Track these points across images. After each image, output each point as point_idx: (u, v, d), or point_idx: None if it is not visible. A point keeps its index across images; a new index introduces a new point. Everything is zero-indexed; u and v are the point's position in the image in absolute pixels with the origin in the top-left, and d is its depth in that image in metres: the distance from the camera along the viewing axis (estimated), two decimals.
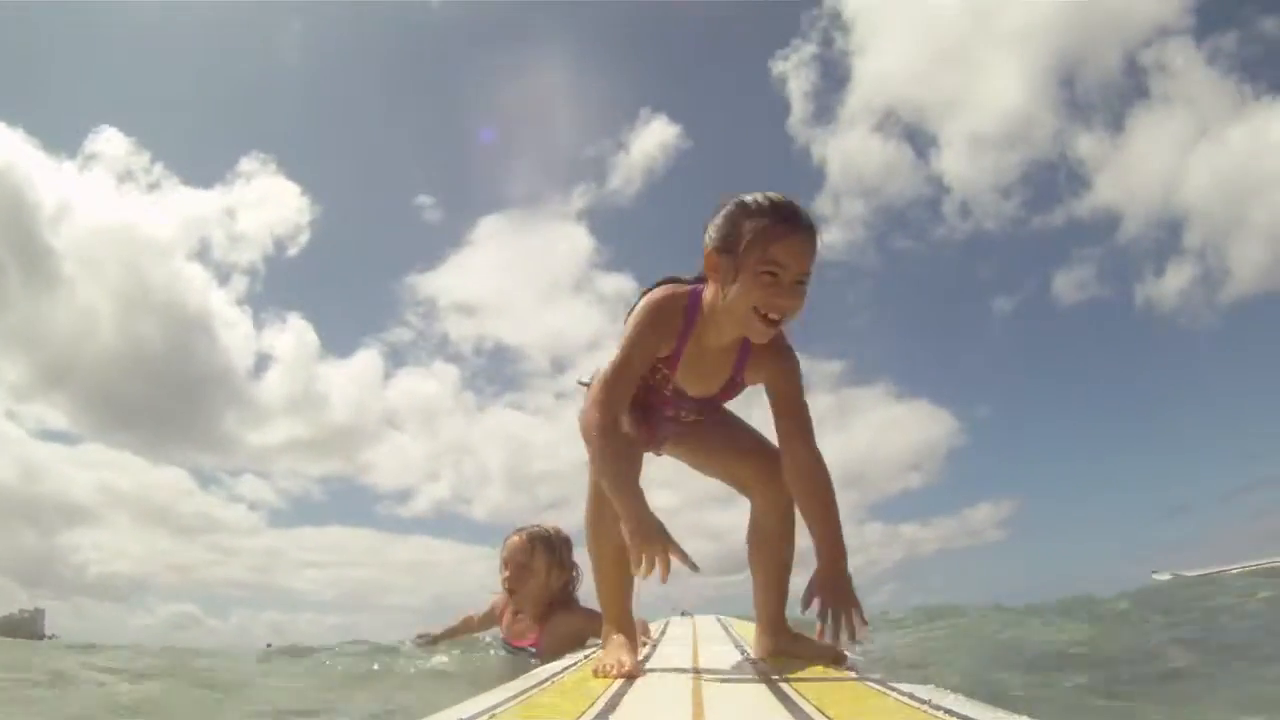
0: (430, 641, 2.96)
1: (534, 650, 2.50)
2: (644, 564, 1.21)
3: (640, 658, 1.52)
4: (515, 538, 2.63)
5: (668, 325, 1.47)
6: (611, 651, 1.41)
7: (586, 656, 1.77)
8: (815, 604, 1.34)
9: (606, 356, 1.47)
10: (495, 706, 0.99)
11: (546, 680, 1.32)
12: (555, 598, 2.58)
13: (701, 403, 1.58)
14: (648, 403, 1.56)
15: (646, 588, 1.42)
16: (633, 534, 1.25)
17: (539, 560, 2.57)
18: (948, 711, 0.88)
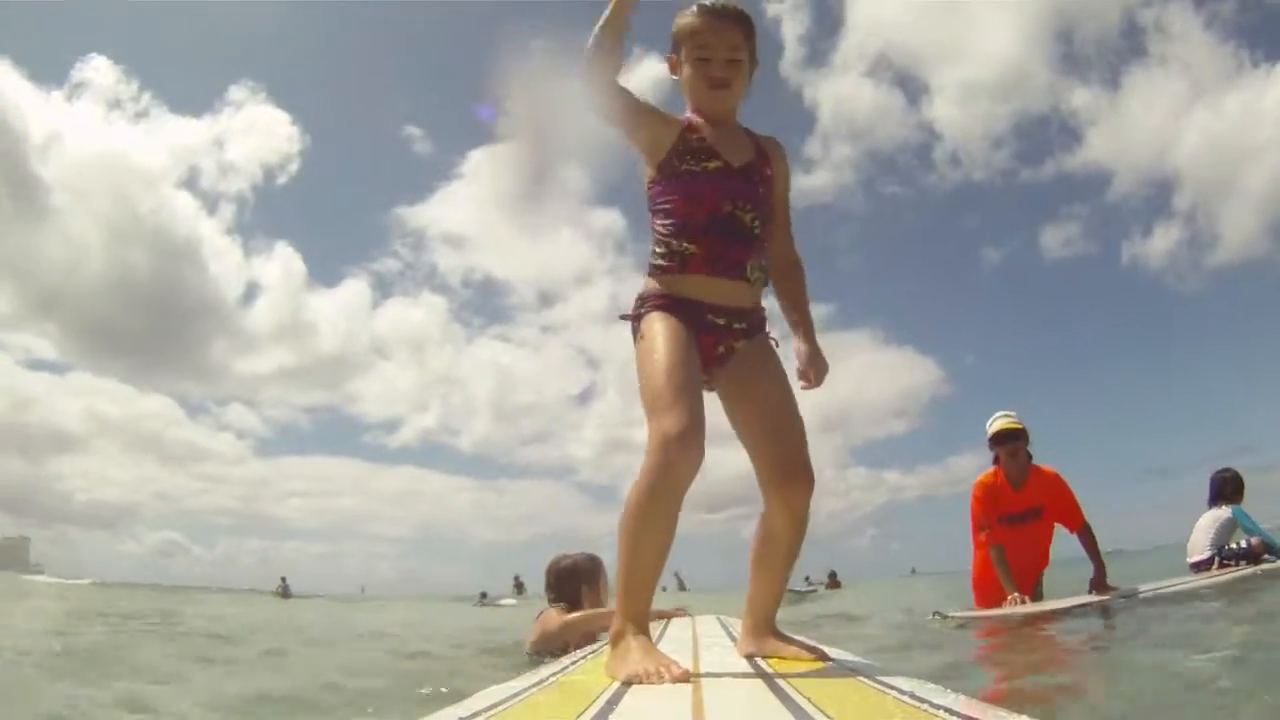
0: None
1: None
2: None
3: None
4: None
5: (662, 114, 1.58)
6: (643, 658, 1.23)
7: (585, 656, 1.77)
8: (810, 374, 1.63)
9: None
10: (495, 706, 0.99)
11: (546, 680, 1.32)
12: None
13: (749, 179, 1.57)
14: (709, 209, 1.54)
15: None
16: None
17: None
18: (948, 711, 0.88)
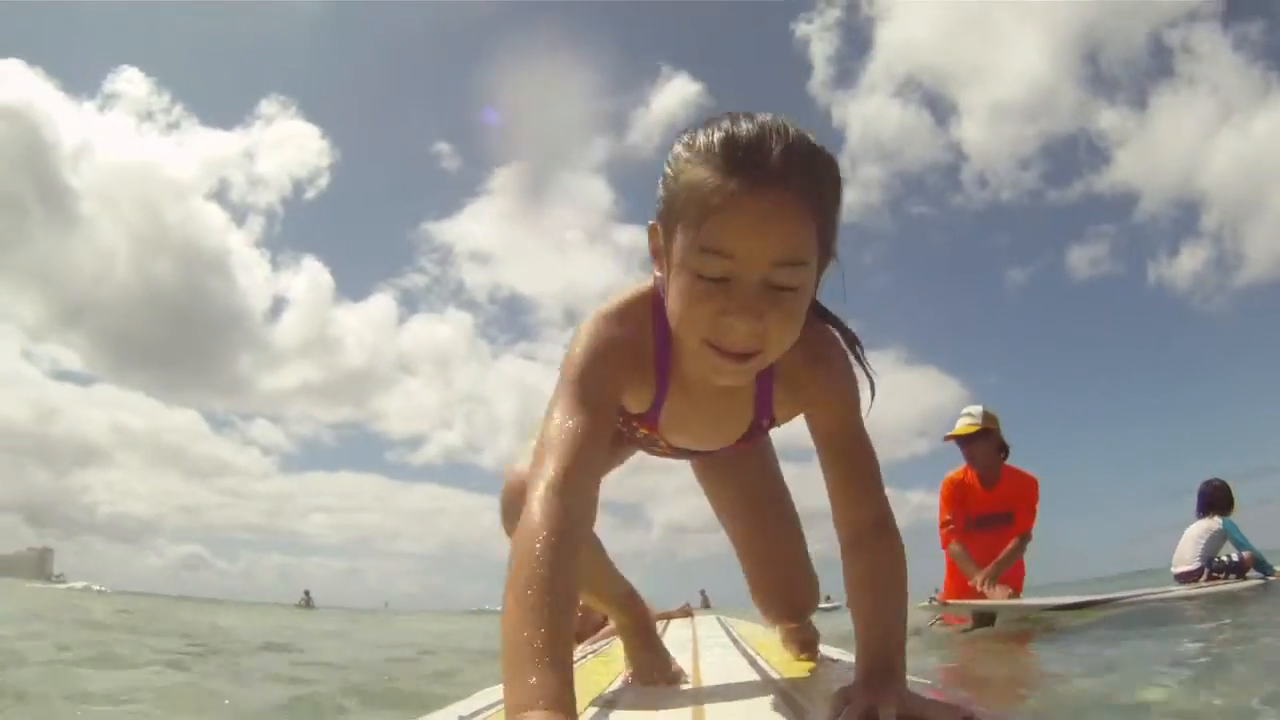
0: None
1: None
2: None
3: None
4: None
5: (631, 371, 0.92)
6: (640, 654, 1.20)
7: (585, 655, 1.77)
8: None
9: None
10: (495, 706, 0.99)
11: None
12: None
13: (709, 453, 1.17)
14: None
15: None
16: None
17: None
18: None
